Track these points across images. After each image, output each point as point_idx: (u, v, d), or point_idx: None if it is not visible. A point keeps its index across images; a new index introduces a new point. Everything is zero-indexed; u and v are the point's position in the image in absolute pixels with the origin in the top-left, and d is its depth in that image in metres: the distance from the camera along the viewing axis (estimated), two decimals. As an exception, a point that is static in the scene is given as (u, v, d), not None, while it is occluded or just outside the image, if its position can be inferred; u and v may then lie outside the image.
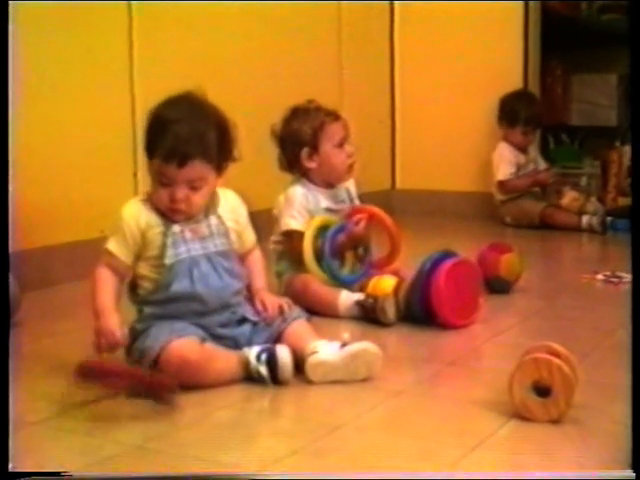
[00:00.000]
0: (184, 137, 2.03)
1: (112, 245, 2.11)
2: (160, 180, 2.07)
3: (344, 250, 2.81)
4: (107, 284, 2.09)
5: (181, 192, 2.06)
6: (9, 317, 2.32)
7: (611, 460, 1.60)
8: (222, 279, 2.14)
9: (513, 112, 4.55)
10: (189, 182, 2.06)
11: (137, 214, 2.11)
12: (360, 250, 2.84)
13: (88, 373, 1.89)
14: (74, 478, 1.58)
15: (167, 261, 2.09)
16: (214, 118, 2.10)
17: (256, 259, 2.32)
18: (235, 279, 2.18)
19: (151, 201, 2.12)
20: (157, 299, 2.11)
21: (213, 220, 2.16)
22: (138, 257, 2.12)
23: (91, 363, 1.92)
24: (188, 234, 2.12)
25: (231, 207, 2.22)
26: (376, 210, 2.86)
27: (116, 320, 2.03)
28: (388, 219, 2.84)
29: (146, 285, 2.13)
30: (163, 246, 2.10)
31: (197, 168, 2.04)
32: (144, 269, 2.13)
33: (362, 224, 2.78)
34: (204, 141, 2.05)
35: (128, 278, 2.16)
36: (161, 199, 2.08)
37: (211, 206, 2.17)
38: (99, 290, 2.08)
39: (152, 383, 1.89)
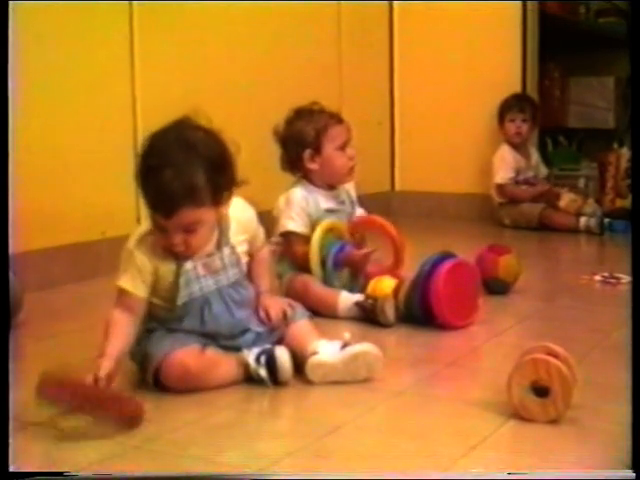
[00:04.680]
0: (167, 186, 1.92)
1: (125, 282, 2.03)
2: (155, 225, 2.01)
3: (343, 267, 2.82)
4: (122, 330, 2.01)
5: (177, 238, 1.99)
6: (9, 318, 2.32)
7: (609, 460, 1.61)
8: (233, 315, 2.12)
9: (502, 108, 4.60)
10: (182, 228, 1.99)
11: (147, 252, 2.03)
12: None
13: (43, 392, 1.82)
14: (74, 478, 1.58)
15: (179, 302, 2.05)
16: (207, 153, 1.98)
17: (262, 259, 2.28)
18: (245, 309, 2.16)
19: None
20: (167, 326, 2.09)
21: (226, 251, 2.11)
22: (152, 291, 2.06)
23: (47, 382, 1.84)
24: (201, 270, 2.06)
25: (241, 223, 2.16)
26: (381, 220, 2.86)
27: (112, 366, 1.93)
28: (393, 230, 2.84)
29: (156, 310, 2.09)
30: (175, 286, 2.05)
31: (186, 215, 1.96)
32: (155, 299, 2.08)
33: (363, 252, 2.78)
34: (191, 186, 1.94)
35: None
36: (161, 241, 2.03)
37: (223, 235, 2.11)
38: (112, 335, 1.98)
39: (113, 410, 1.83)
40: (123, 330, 2.01)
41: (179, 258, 2.05)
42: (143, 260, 2.03)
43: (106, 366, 1.91)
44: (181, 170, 1.94)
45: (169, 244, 2.01)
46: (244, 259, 2.17)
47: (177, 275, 2.04)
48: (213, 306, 2.09)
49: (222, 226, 2.11)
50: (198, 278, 2.06)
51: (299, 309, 2.26)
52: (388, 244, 2.86)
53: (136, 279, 2.03)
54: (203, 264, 2.07)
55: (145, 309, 2.10)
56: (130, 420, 1.82)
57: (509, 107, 4.59)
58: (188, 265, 2.05)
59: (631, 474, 1.46)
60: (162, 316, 2.10)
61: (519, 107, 4.59)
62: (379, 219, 2.89)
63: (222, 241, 2.11)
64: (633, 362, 1.61)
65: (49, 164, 3.08)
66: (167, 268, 2.04)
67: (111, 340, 1.97)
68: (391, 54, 4.96)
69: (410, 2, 4.88)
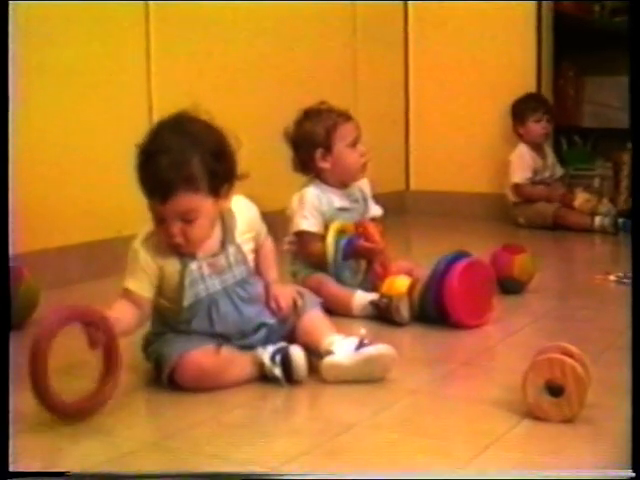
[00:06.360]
0: (162, 171, 1.93)
1: (130, 283, 2.02)
2: (154, 216, 2.01)
3: (356, 258, 2.82)
4: (122, 313, 1.98)
5: (174, 227, 1.98)
6: (9, 317, 2.32)
7: (623, 459, 1.60)
8: (241, 314, 2.11)
9: (523, 109, 4.60)
10: (179, 216, 1.97)
11: (152, 253, 2.03)
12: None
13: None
14: (75, 477, 1.58)
15: (185, 303, 2.05)
16: (203, 142, 2.00)
17: (268, 250, 2.28)
18: (254, 305, 2.16)
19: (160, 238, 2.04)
20: (177, 329, 2.09)
21: (231, 250, 2.11)
22: (158, 292, 2.06)
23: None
24: (206, 269, 2.06)
25: (247, 224, 2.16)
26: (369, 227, 2.81)
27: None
28: (377, 238, 2.78)
29: (165, 311, 2.09)
30: (181, 287, 2.04)
31: (183, 201, 1.95)
32: (163, 301, 2.08)
33: (370, 243, 2.78)
34: (186, 171, 1.95)
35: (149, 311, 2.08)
36: (161, 234, 2.02)
37: (228, 233, 2.11)
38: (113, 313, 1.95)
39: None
40: (127, 314, 1.98)
41: (182, 255, 2.04)
42: (147, 260, 2.02)
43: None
44: (176, 155, 1.95)
45: (168, 235, 1.99)
46: (250, 256, 2.17)
47: (182, 276, 2.04)
48: (220, 306, 2.08)
49: (226, 224, 2.11)
50: (203, 278, 2.06)
51: (309, 298, 2.26)
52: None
53: (142, 280, 2.02)
54: (208, 264, 2.06)
55: (153, 311, 2.11)
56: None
57: (533, 108, 4.58)
58: (193, 265, 2.04)
59: (631, 474, 1.46)
60: (171, 319, 2.09)
61: (544, 108, 4.60)
62: (368, 225, 2.84)
63: (227, 240, 2.10)
64: (633, 362, 1.62)
65: (65, 163, 3.09)
66: (172, 269, 2.04)
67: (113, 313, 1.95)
68: (406, 53, 4.96)
69: (425, 2, 4.88)
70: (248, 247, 2.16)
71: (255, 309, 2.16)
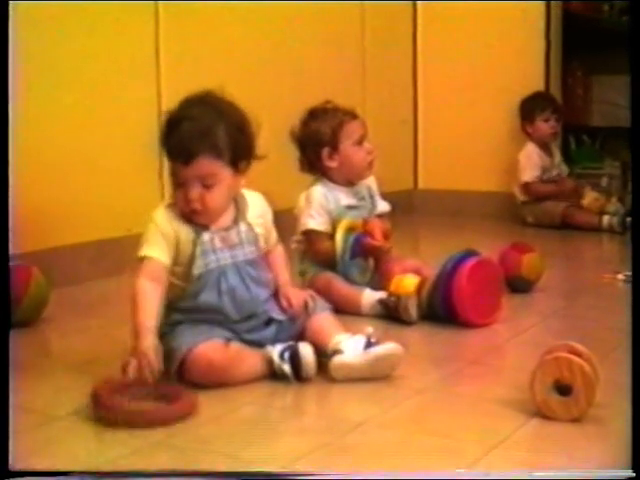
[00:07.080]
0: (189, 133, 2.02)
1: (148, 250, 2.05)
2: (175, 181, 2.07)
3: (364, 256, 2.83)
4: (148, 300, 2.01)
5: (194, 191, 2.03)
6: (9, 316, 2.33)
7: (630, 459, 1.61)
8: (250, 290, 2.14)
9: (531, 107, 4.60)
10: (200, 180, 2.03)
11: (170, 220, 2.07)
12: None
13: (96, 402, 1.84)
14: (86, 474, 1.58)
15: (196, 271, 2.08)
16: (228, 115, 2.08)
17: (279, 254, 2.31)
18: (262, 288, 2.18)
19: (177, 207, 2.09)
20: (184, 307, 2.10)
21: (243, 227, 2.15)
22: (174, 262, 2.08)
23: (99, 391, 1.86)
24: (218, 242, 2.10)
25: (260, 211, 2.21)
26: (374, 225, 2.82)
27: (151, 342, 1.93)
28: (377, 238, 2.79)
29: (174, 292, 2.10)
30: (192, 256, 2.07)
31: (205, 164, 2.03)
32: (172, 278, 2.10)
33: (376, 241, 2.78)
34: (210, 137, 2.03)
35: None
36: (179, 201, 2.07)
37: (240, 213, 2.16)
38: (139, 308, 1.99)
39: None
40: (152, 299, 2.01)
41: (197, 224, 2.08)
42: (166, 227, 2.07)
43: (149, 343, 1.92)
44: (202, 122, 2.04)
45: (186, 201, 2.04)
46: (261, 241, 2.20)
47: (195, 244, 2.07)
48: (229, 278, 2.11)
49: (239, 203, 2.16)
50: (214, 250, 2.09)
51: (320, 302, 2.27)
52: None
53: (160, 246, 2.05)
54: (220, 237, 2.11)
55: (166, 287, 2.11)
56: (184, 413, 1.85)
57: (541, 107, 4.58)
58: (206, 236, 2.08)
59: (631, 474, 1.46)
60: (178, 297, 2.10)
61: (553, 107, 4.60)
62: (372, 223, 2.85)
63: (239, 217, 2.15)
64: (633, 362, 1.62)
65: (75, 161, 3.09)
66: (186, 238, 2.07)
67: (143, 311, 1.98)
68: (414, 53, 4.95)
69: (434, 1, 4.88)
70: (259, 230, 2.19)
71: (263, 292, 2.19)
